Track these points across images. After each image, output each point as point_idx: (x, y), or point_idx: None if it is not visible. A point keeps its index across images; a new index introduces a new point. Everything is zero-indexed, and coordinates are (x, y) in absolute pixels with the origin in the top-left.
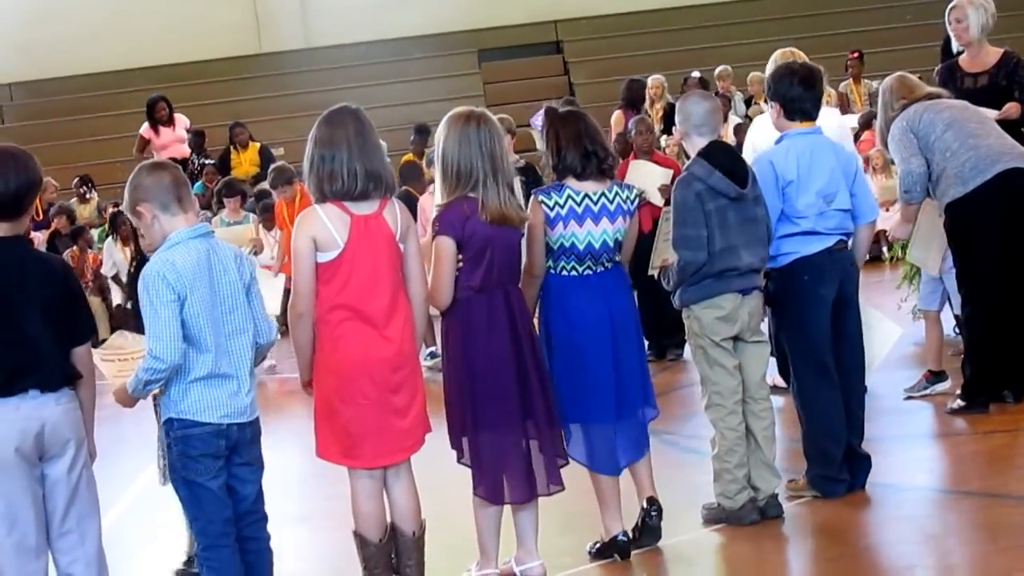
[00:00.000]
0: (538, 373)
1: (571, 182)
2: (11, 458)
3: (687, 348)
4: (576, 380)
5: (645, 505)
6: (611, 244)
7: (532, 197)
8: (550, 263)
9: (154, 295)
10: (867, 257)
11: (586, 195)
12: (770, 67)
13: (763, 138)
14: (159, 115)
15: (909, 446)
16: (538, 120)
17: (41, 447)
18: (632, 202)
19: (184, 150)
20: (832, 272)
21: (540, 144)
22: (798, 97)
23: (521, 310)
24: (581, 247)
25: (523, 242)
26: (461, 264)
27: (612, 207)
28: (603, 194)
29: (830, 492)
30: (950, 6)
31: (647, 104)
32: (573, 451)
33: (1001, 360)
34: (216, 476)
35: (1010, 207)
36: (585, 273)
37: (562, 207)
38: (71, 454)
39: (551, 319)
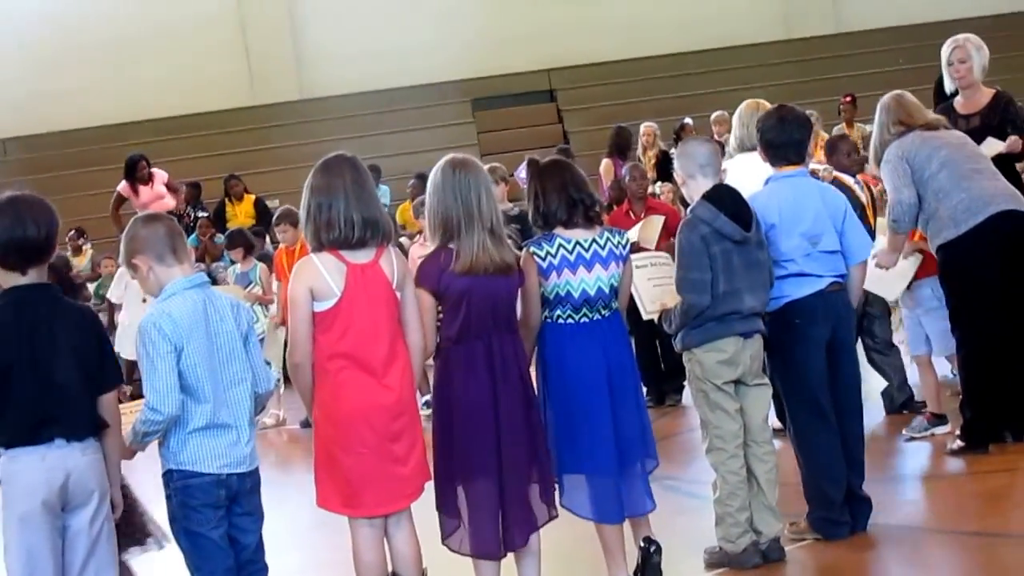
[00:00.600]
0: (527, 421)
1: (560, 231)
2: (37, 510)
3: (686, 393)
4: (574, 430)
5: (643, 544)
6: (606, 291)
7: (524, 249)
8: (546, 312)
9: (151, 346)
10: (862, 297)
11: (577, 243)
12: (736, 119)
13: (747, 180)
14: (140, 173)
15: (910, 487)
16: (522, 172)
17: (65, 497)
18: (624, 247)
19: (167, 204)
20: (825, 314)
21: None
22: (782, 143)
23: (507, 358)
24: (576, 295)
25: (518, 290)
26: (441, 315)
27: (604, 253)
28: (594, 240)
29: (832, 534)
30: (950, 48)
31: (639, 151)
32: (573, 503)
33: (999, 401)
34: (217, 526)
35: (1003, 249)
36: (581, 320)
37: (554, 256)
38: (94, 505)
39: (547, 368)
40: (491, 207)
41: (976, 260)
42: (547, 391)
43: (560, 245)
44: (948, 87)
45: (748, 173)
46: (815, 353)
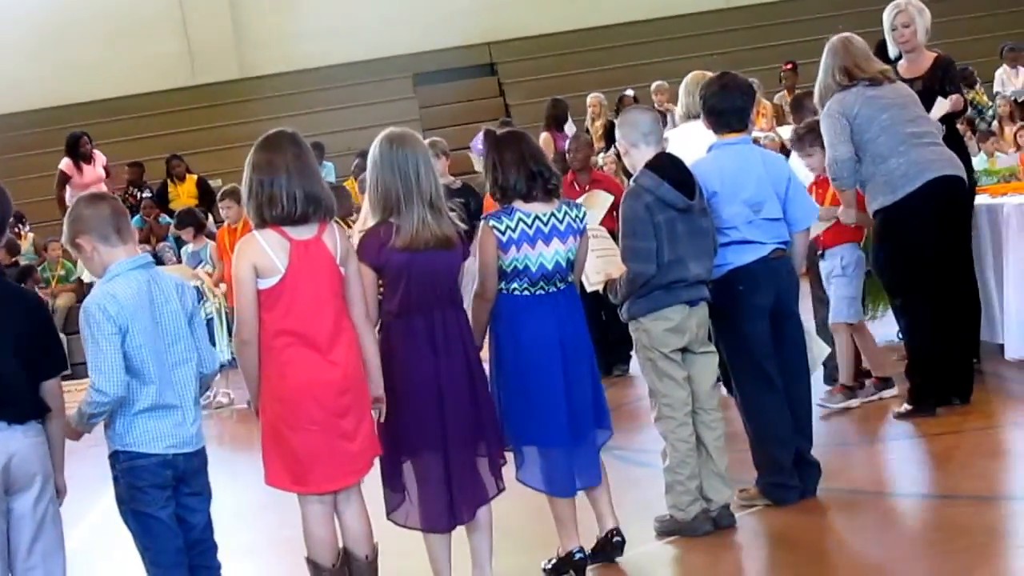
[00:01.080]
0: (472, 395)
1: (519, 204)
2: None
3: (633, 363)
4: (527, 402)
5: (608, 535)
6: (563, 264)
7: (483, 222)
8: (502, 285)
9: (95, 328)
10: (805, 264)
11: (536, 216)
12: (683, 88)
13: (690, 148)
14: (83, 150)
15: (858, 451)
16: (478, 143)
17: (8, 480)
18: (581, 220)
19: (103, 187)
20: (768, 281)
21: (479, 167)
22: (724, 109)
23: (449, 332)
24: (534, 269)
25: (463, 264)
26: (382, 290)
27: (562, 227)
28: (552, 215)
29: (782, 499)
30: (893, 12)
31: (588, 122)
32: (526, 476)
33: (944, 365)
34: (164, 506)
35: (938, 213)
36: (537, 293)
37: (514, 230)
38: (37, 488)
39: (501, 340)
40: (431, 181)
41: (913, 226)
42: (500, 363)
43: (520, 219)
44: (892, 52)
45: (693, 141)
46: (759, 319)
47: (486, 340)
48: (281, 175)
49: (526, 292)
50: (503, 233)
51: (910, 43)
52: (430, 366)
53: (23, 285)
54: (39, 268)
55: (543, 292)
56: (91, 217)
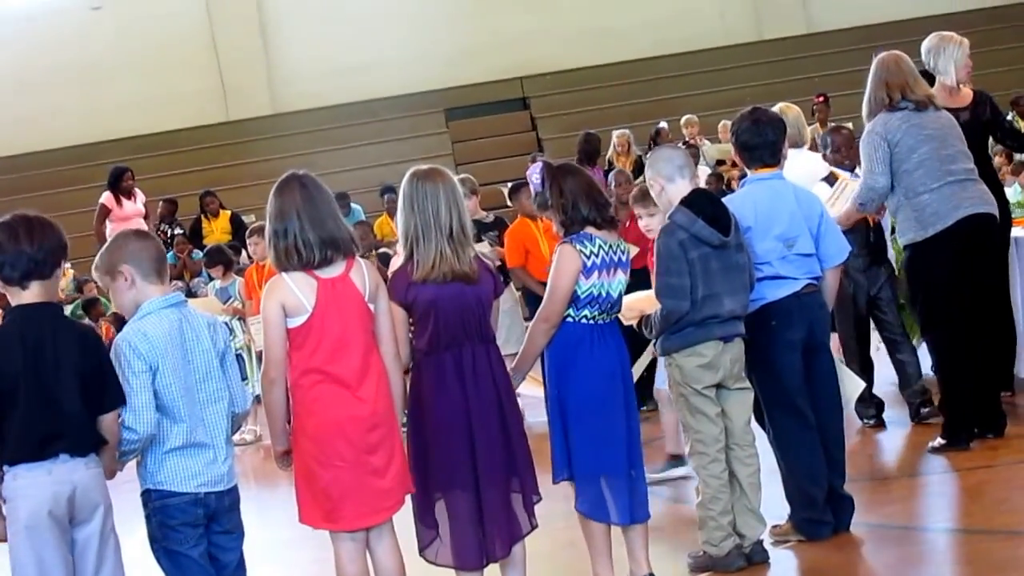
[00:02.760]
0: (503, 431)
1: (592, 231)
2: (44, 520)
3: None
4: (594, 432)
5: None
6: (619, 295)
7: (565, 244)
8: (571, 312)
9: (125, 366)
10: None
11: (610, 245)
12: None
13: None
14: (125, 184)
15: (892, 486)
16: (535, 175)
17: (72, 511)
18: (628, 254)
19: (142, 224)
20: (800, 316)
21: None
22: (756, 144)
23: (479, 368)
24: (604, 295)
25: (495, 299)
26: (412, 327)
27: (624, 258)
28: (618, 245)
29: (815, 535)
30: (961, 46)
31: (612, 157)
32: (584, 506)
33: (977, 398)
34: (196, 544)
35: (967, 251)
36: (599, 323)
37: (596, 255)
38: (100, 518)
39: (569, 370)
40: (452, 216)
41: (942, 263)
42: (566, 392)
43: (600, 246)
44: (950, 79)
45: (802, 169)
46: (791, 354)
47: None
48: (293, 222)
49: (593, 320)
50: (588, 257)
51: (965, 75)
52: (460, 403)
53: (87, 316)
54: (72, 305)
55: (603, 321)
56: (137, 250)
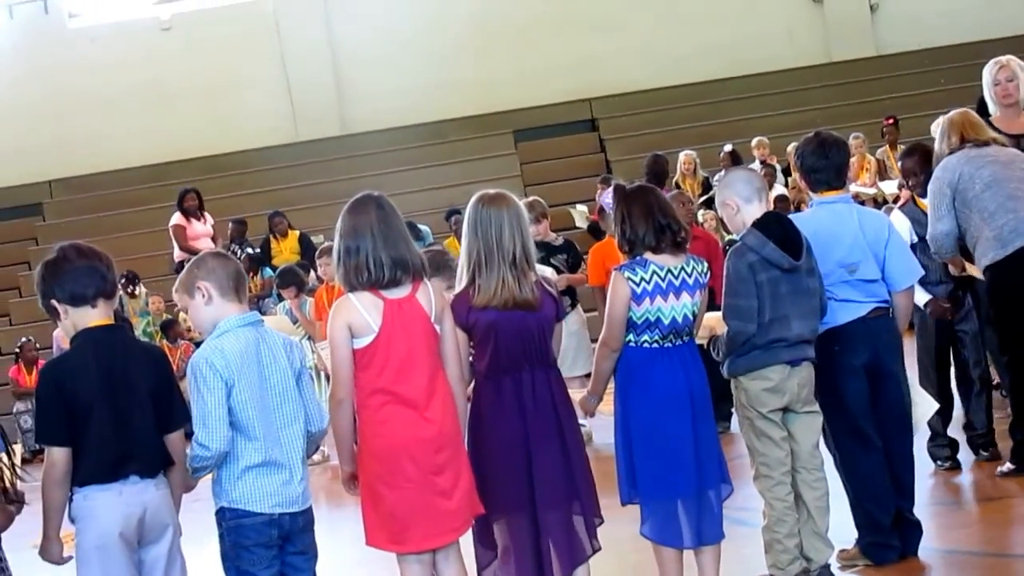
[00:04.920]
0: (563, 455)
1: (649, 256)
2: (115, 542)
3: (734, 419)
4: (658, 454)
5: None
6: (689, 317)
7: (615, 272)
8: (631, 336)
9: (201, 382)
10: (907, 322)
11: (668, 270)
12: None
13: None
14: (188, 205)
15: (960, 511)
16: (607, 198)
17: (142, 532)
18: (704, 275)
19: (210, 245)
20: (864, 341)
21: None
22: (822, 167)
23: (539, 393)
24: (666, 321)
25: (558, 324)
26: (472, 350)
27: (691, 281)
28: (681, 268)
29: (881, 559)
30: (995, 67)
31: (679, 179)
32: (650, 530)
33: None
34: (270, 566)
35: None
36: (665, 346)
37: (648, 282)
38: (168, 539)
39: (631, 393)
40: (516, 242)
41: (1022, 280)
42: (630, 415)
43: (654, 271)
44: (992, 108)
45: None
46: (853, 379)
47: (608, 392)
48: (366, 241)
49: (655, 345)
50: (637, 284)
51: (1012, 97)
52: (518, 426)
53: (165, 337)
54: (144, 323)
55: (671, 345)
56: (217, 268)
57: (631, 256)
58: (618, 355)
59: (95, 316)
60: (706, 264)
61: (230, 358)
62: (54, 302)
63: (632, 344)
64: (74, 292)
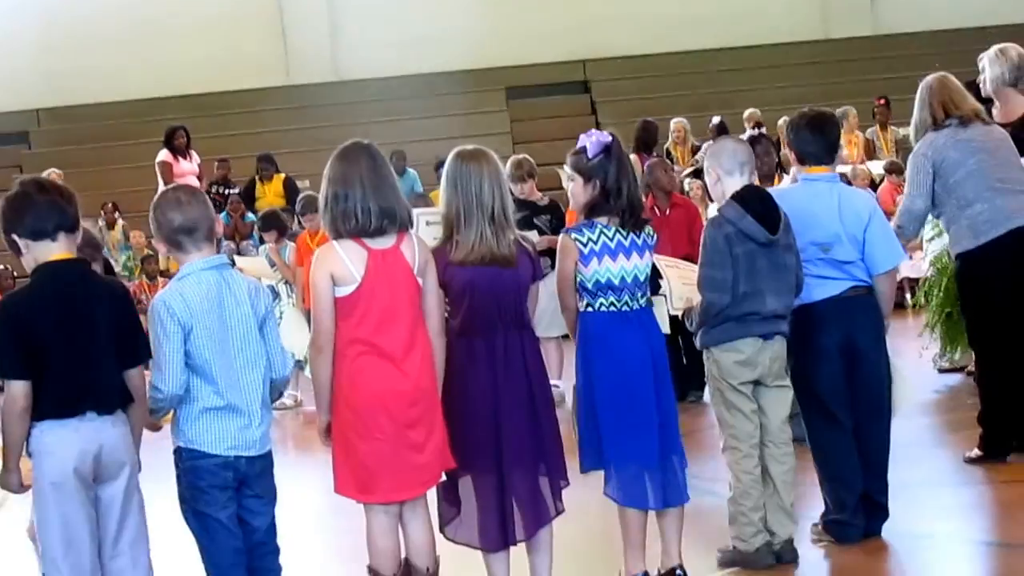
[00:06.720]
0: (532, 416)
1: (600, 219)
2: (70, 478)
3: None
4: (621, 419)
5: (671, 571)
6: (641, 280)
7: (562, 234)
8: (588, 300)
9: (158, 326)
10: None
11: (616, 231)
12: (993, 58)
13: None
14: (176, 143)
15: (926, 494)
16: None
17: (98, 469)
18: (652, 238)
19: (196, 183)
20: (837, 320)
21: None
22: (813, 141)
23: (511, 354)
24: (616, 282)
25: (534, 284)
26: (448, 307)
27: (639, 242)
28: (630, 230)
29: (843, 538)
30: (986, 55)
31: (670, 146)
32: (614, 491)
33: (1017, 412)
34: (225, 507)
35: (1019, 264)
36: (623, 309)
37: (596, 242)
38: (126, 477)
39: (592, 358)
40: (496, 197)
41: (993, 273)
42: (593, 380)
43: (601, 232)
44: (984, 91)
45: None
46: (825, 360)
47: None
48: (356, 188)
49: (612, 308)
50: (584, 245)
51: (984, 91)
52: (488, 385)
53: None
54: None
55: (628, 308)
56: (169, 221)
57: (587, 219)
58: (574, 314)
59: (56, 250)
60: (651, 227)
61: (190, 301)
62: (15, 237)
63: (591, 310)
64: (35, 227)
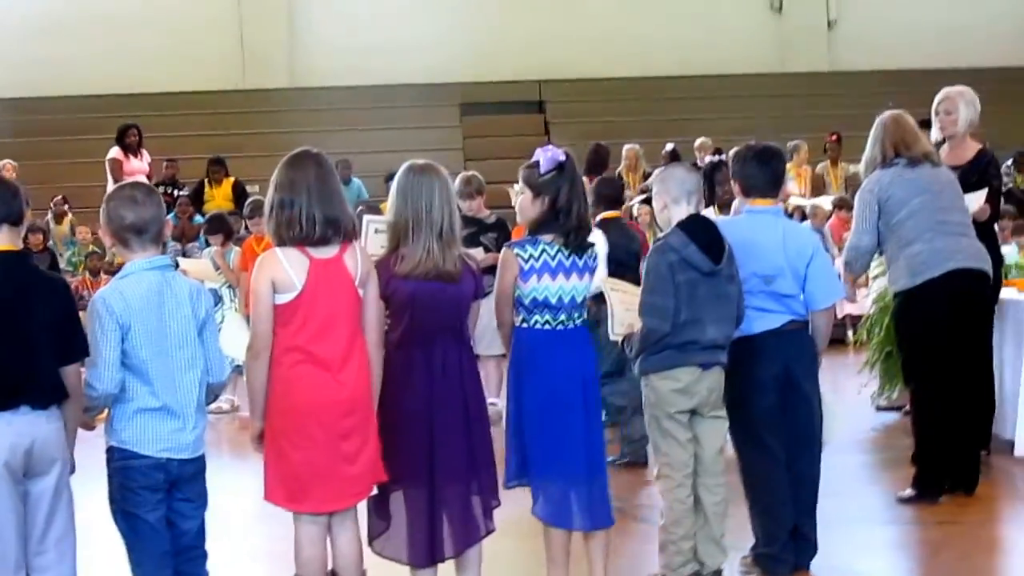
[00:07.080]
0: (467, 433)
1: (544, 236)
2: (0, 471)
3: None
4: (550, 437)
5: None
6: (579, 300)
7: (505, 249)
8: (524, 316)
9: (96, 323)
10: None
11: (559, 249)
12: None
13: None
14: (128, 140)
15: (857, 531)
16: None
17: (28, 463)
18: (594, 260)
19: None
20: (775, 352)
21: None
22: (758, 175)
23: (448, 368)
24: (553, 300)
25: (475, 302)
26: (387, 319)
27: (580, 263)
28: (572, 251)
29: (772, 571)
30: (940, 97)
31: (623, 171)
32: (542, 511)
33: (950, 453)
34: (154, 509)
35: (955, 305)
36: (558, 328)
37: (536, 259)
38: (56, 473)
39: (523, 373)
40: (445, 213)
41: (929, 313)
42: (524, 396)
43: (543, 249)
44: (934, 135)
45: None
46: (761, 393)
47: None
48: (302, 196)
49: (547, 326)
50: (525, 261)
51: (948, 131)
52: (423, 399)
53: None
54: (70, 251)
55: (563, 327)
56: (120, 217)
57: (533, 235)
58: (510, 329)
59: (0, 242)
60: (594, 248)
61: (130, 300)
62: None
63: (526, 325)
64: None
